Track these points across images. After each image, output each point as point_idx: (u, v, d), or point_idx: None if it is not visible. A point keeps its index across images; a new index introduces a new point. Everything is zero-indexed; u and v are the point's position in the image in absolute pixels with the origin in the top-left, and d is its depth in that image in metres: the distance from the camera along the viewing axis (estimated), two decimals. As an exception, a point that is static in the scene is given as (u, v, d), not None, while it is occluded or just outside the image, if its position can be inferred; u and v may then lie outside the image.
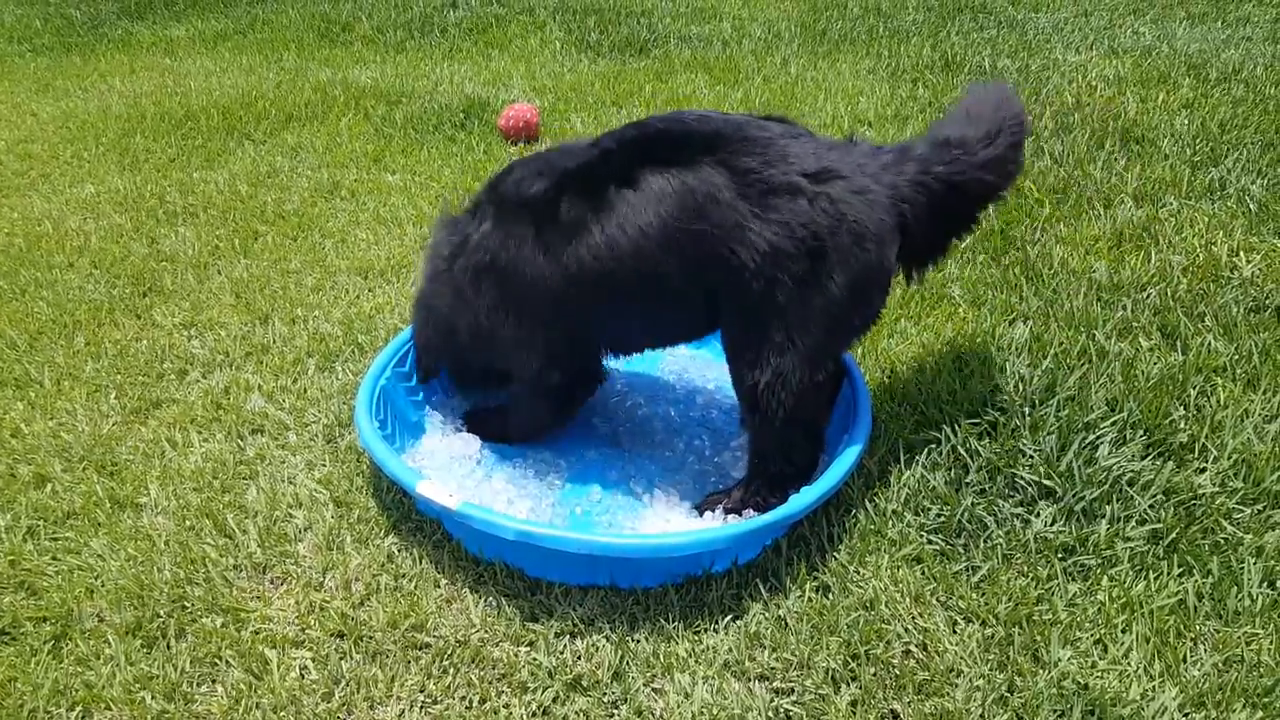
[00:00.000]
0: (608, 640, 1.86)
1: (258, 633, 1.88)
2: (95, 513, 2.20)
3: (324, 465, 2.35)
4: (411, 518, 2.16)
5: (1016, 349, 2.65)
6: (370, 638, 1.86)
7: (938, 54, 5.53)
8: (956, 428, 2.34)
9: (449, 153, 4.36)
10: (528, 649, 1.85)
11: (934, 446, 2.31)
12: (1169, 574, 1.96)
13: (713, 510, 2.19)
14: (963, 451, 2.28)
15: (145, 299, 3.15)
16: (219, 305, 3.08)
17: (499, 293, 2.18)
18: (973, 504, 2.14)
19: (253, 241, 3.52)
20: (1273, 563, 1.97)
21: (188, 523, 2.17)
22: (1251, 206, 3.45)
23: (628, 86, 5.16)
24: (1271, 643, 1.80)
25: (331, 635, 1.88)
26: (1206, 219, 3.37)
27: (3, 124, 4.85)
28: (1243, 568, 1.97)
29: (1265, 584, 1.94)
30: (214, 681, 1.79)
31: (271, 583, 2.02)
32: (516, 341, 2.26)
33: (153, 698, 1.75)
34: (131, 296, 3.15)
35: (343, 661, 1.82)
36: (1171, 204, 3.50)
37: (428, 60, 5.89)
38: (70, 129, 4.74)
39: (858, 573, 2.00)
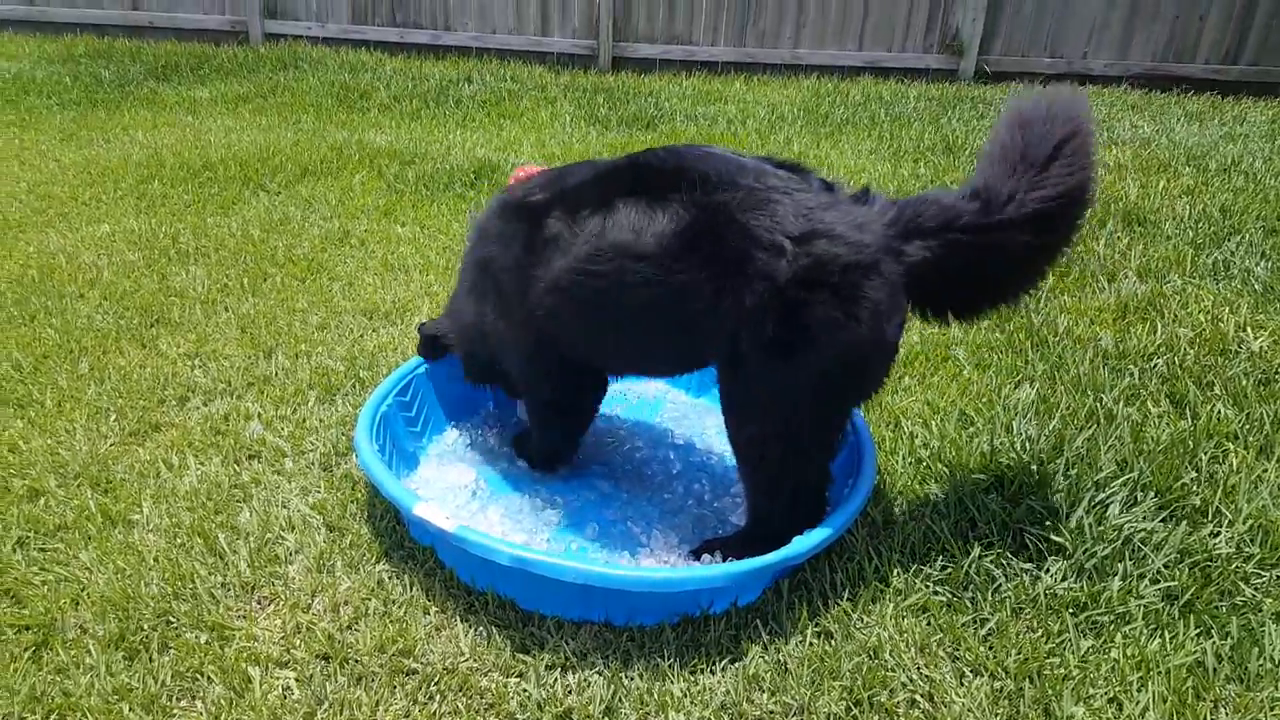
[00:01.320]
0: (600, 675, 1.79)
1: (242, 650, 1.82)
2: (86, 527, 2.16)
3: (319, 491, 2.31)
4: (404, 545, 2.12)
5: (1023, 409, 2.63)
6: (356, 661, 1.80)
7: (939, 137, 5.66)
8: (963, 481, 2.31)
9: (458, 209, 4.42)
10: (517, 680, 1.79)
11: (939, 499, 2.28)
12: (1186, 634, 1.91)
13: (710, 555, 2.14)
14: (970, 505, 2.24)
15: (152, 329, 3.15)
16: (224, 338, 3.08)
17: (483, 284, 2.29)
18: (980, 556, 2.09)
19: (262, 282, 3.54)
20: (1294, 626, 1.92)
21: (179, 540, 2.12)
22: (1257, 286, 3.47)
23: (637, 156, 5.26)
24: (1292, 706, 1.74)
25: (317, 656, 1.82)
26: (1212, 296, 3.39)
27: (26, 168, 4.93)
28: (1264, 631, 1.91)
29: (1286, 647, 1.88)
30: (194, 696, 1.73)
31: (259, 602, 1.96)
32: (501, 338, 2.30)
33: (130, 709, 1.68)
34: (139, 327, 3.15)
35: (327, 683, 1.75)
36: (1175, 281, 3.52)
37: (441, 127, 6.02)
38: (91, 174, 4.81)
39: (861, 620, 1.94)
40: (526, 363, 2.29)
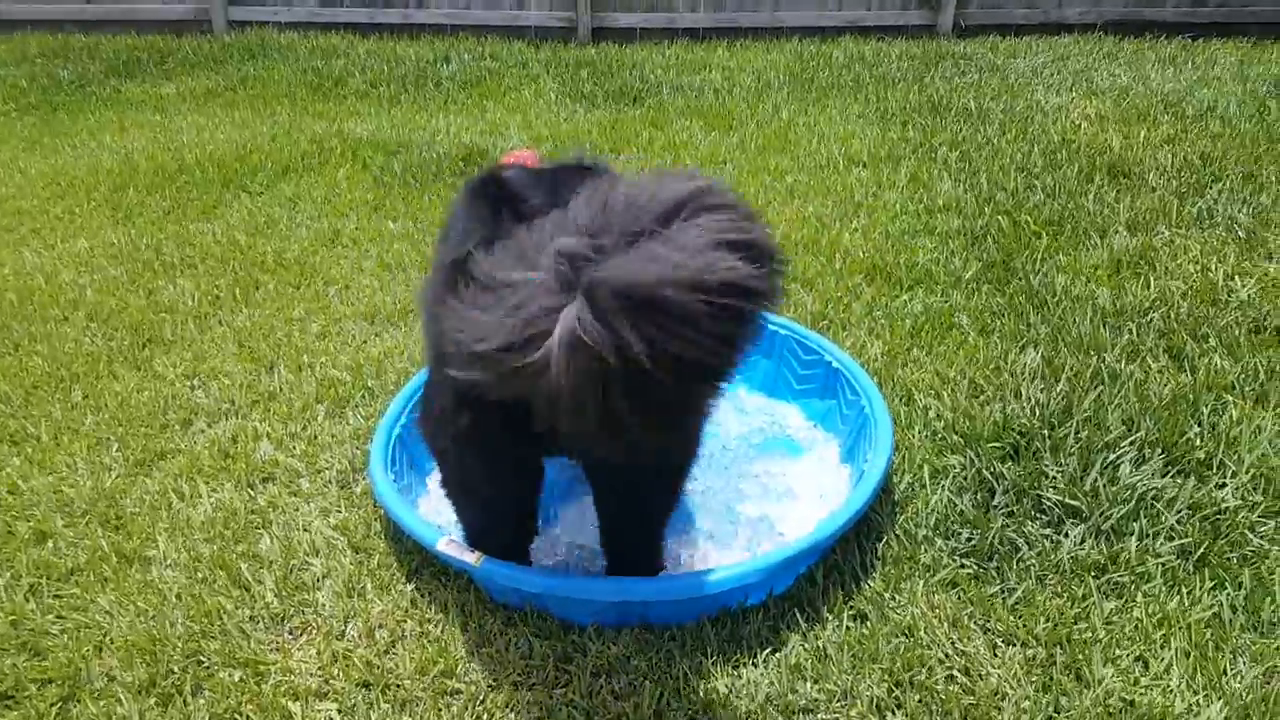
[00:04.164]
0: (646, 679, 1.80)
1: (279, 685, 1.81)
2: (101, 568, 2.12)
3: (339, 511, 2.29)
4: (434, 562, 2.10)
5: (1030, 374, 2.65)
6: (398, 686, 1.80)
7: (924, 97, 5.63)
8: (979, 452, 2.33)
9: (450, 200, 4.34)
10: (564, 690, 1.79)
11: (958, 471, 2.30)
12: (1202, 588, 1.96)
13: None
14: (988, 475, 2.27)
15: (145, 350, 3.09)
16: (222, 354, 3.03)
17: None
18: (1002, 526, 2.13)
19: (254, 290, 3.48)
20: (1303, 573, 1.96)
21: (200, 574, 2.09)
22: (1240, 233, 3.51)
23: (625, 134, 5.20)
24: (1314, 653, 1.79)
25: (357, 685, 1.81)
26: (1199, 246, 3.42)
27: (-10, 183, 4.80)
28: (1274, 579, 1.97)
29: (1298, 594, 1.93)
30: (237, 735, 1.72)
31: (291, 633, 1.95)
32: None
33: (174, 754, 1.68)
34: (130, 348, 3.09)
35: (370, 711, 1.75)
36: (1164, 233, 3.55)
37: (423, 113, 5.91)
38: (60, 185, 4.69)
39: (894, 599, 1.97)
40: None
